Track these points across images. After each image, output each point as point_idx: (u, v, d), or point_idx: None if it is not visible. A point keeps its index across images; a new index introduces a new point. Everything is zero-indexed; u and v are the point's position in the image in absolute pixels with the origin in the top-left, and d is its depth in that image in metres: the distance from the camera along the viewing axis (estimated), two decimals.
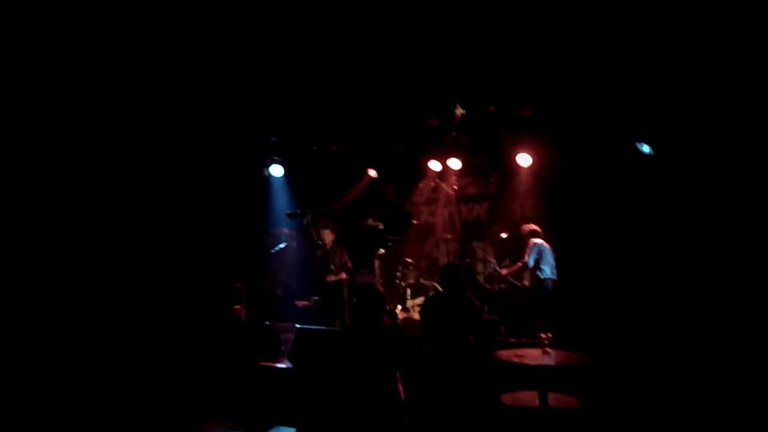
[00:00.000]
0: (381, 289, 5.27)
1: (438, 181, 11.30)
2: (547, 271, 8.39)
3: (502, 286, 9.50)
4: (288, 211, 9.69)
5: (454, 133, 10.08)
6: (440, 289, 9.99)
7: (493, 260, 8.63)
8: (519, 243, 9.25)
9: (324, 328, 8.01)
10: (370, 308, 4.89)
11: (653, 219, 6.42)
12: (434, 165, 10.96)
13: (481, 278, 11.11)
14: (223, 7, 6.95)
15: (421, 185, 12.10)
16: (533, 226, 8.74)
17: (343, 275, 9.42)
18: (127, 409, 6.63)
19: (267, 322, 8.85)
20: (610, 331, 6.22)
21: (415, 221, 11.20)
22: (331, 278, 9.36)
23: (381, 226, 10.67)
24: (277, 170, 11.11)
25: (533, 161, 9.80)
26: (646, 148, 6.68)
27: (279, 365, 7.72)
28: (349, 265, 9.53)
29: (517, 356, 5.21)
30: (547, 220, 9.57)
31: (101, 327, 7.29)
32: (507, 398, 5.39)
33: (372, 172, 11.52)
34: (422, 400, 5.50)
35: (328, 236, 9.45)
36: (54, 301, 7.08)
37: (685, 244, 6.07)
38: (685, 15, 5.91)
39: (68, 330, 6.86)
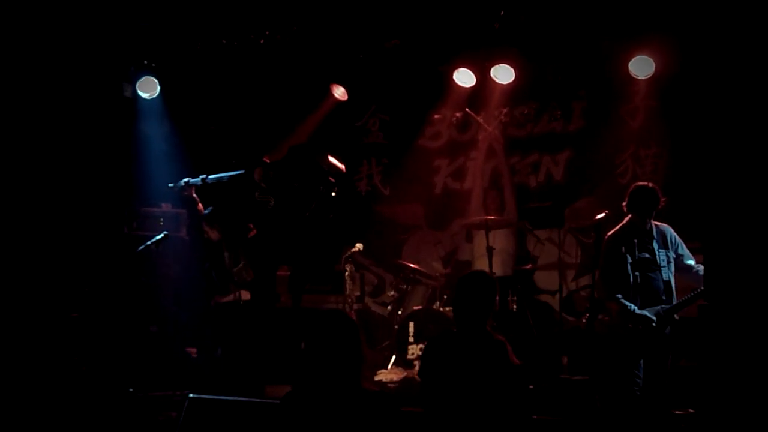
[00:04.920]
0: (354, 318, 5.36)
1: (470, 112, 11.30)
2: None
3: (599, 318, 9.32)
4: (171, 184, 9.77)
5: (502, 13, 9.92)
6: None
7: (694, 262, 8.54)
8: None
9: (240, 399, 7.83)
10: (334, 358, 4.74)
11: None
12: (463, 77, 10.95)
13: (554, 300, 11.17)
14: None
15: (436, 117, 12.17)
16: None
17: (241, 295, 9.80)
18: None
19: (131, 389, 9.17)
20: None
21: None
22: (218, 298, 9.83)
23: (271, 203, 10.71)
24: (148, 86, 11.08)
25: (658, 69, 9.87)
26: None
27: None
28: (252, 275, 9.94)
29: None
30: (681, 187, 9.56)
31: None
32: None
33: (338, 91, 11.59)
34: None
35: (210, 232, 9.90)
36: None
37: None
38: None
39: None
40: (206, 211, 9.79)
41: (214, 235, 9.82)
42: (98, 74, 10.91)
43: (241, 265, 9.70)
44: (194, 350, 10.60)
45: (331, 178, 10.51)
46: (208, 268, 9.76)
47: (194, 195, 9.71)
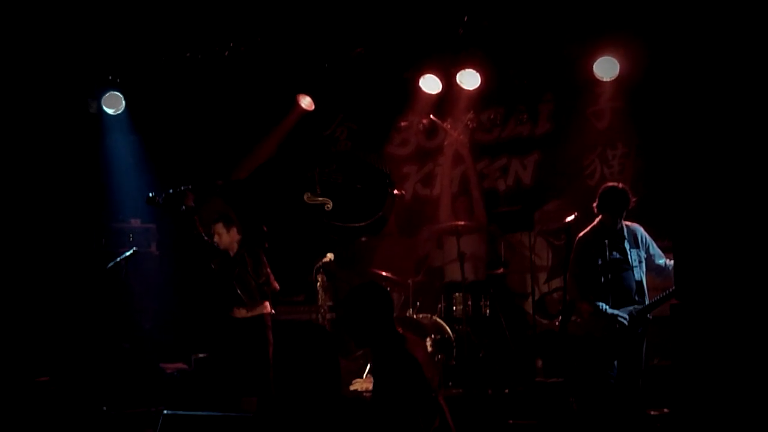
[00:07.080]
0: (328, 327, 5.08)
1: (435, 119, 11.30)
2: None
3: (572, 319, 9.33)
4: (151, 194, 9.40)
5: (465, 18, 9.94)
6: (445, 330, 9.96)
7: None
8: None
9: (215, 413, 7.52)
10: (311, 368, 4.79)
11: None
12: (430, 83, 10.93)
13: (526, 303, 11.16)
14: None
15: (403, 124, 12.15)
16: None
17: (267, 307, 9.53)
18: None
19: (105, 407, 9.13)
20: None
21: (398, 192, 11.14)
22: (243, 312, 9.50)
23: (329, 206, 10.60)
24: (113, 102, 11.00)
25: (623, 70, 9.85)
26: None
27: None
28: (276, 286, 9.64)
29: None
30: (650, 186, 9.54)
31: None
32: None
33: (305, 101, 11.52)
34: None
35: (225, 236, 9.49)
36: None
37: None
38: None
39: None
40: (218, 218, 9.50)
41: (226, 240, 9.49)
42: (63, 91, 10.82)
43: (267, 275, 9.53)
44: (169, 366, 10.56)
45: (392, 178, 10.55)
46: (228, 279, 9.50)
47: (192, 203, 9.36)
